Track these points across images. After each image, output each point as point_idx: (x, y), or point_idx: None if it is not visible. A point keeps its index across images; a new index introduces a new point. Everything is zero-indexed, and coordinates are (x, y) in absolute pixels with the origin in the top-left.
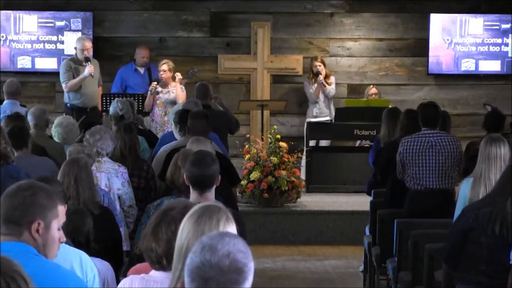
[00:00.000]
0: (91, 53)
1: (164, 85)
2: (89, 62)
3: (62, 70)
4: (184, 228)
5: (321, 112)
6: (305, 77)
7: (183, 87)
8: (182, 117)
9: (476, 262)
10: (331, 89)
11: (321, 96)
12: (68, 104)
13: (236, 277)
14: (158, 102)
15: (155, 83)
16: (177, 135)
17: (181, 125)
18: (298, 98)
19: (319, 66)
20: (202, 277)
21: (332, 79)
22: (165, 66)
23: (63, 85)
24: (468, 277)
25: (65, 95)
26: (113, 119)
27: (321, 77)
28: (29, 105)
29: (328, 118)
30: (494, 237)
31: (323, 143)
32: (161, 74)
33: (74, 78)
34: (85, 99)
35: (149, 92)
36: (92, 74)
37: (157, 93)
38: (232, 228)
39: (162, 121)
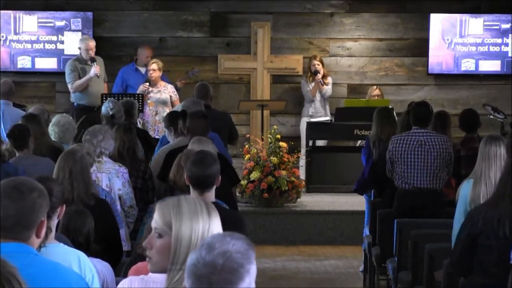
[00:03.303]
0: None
1: (154, 84)
2: (94, 63)
3: (67, 70)
4: (185, 224)
5: (317, 112)
6: (303, 76)
7: (175, 92)
8: (172, 120)
9: (487, 265)
10: (328, 89)
11: (317, 96)
12: (75, 104)
13: (229, 277)
14: (149, 101)
15: (147, 83)
16: (171, 138)
17: (174, 127)
18: (298, 98)
19: (318, 65)
20: (195, 274)
21: (329, 79)
22: (154, 66)
23: (69, 86)
24: (479, 281)
25: (72, 94)
26: (104, 119)
27: (319, 76)
28: (29, 105)
29: (324, 118)
30: (504, 239)
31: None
32: (151, 74)
33: (80, 78)
34: (91, 98)
35: (140, 92)
36: (98, 74)
37: (148, 93)
38: (218, 221)
39: (153, 120)
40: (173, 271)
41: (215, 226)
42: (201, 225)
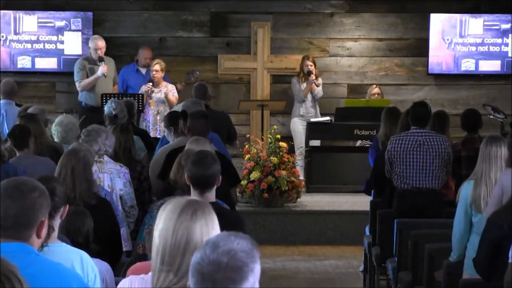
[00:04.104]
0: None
1: (156, 85)
2: (102, 62)
3: (75, 69)
4: (170, 224)
5: (308, 112)
6: (294, 76)
7: (174, 91)
8: (172, 120)
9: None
10: (320, 90)
11: (308, 96)
12: (83, 103)
13: (233, 276)
14: (150, 101)
15: (150, 84)
16: (170, 138)
17: (174, 127)
18: None
19: (311, 65)
20: (199, 273)
21: (320, 80)
22: (157, 66)
23: (77, 84)
24: (504, 286)
25: (80, 94)
26: (107, 119)
27: (312, 76)
28: (26, 105)
29: (314, 118)
30: None
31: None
32: (154, 74)
33: (87, 77)
34: (99, 98)
35: (143, 92)
36: (105, 74)
37: (152, 92)
38: (215, 220)
39: (155, 120)
40: (157, 272)
41: (198, 228)
42: (179, 226)
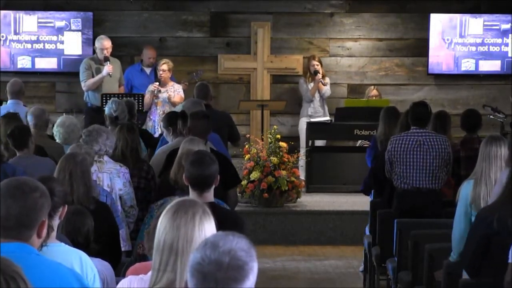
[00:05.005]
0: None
1: (163, 84)
2: (107, 62)
3: (81, 69)
4: (161, 224)
5: (316, 112)
6: (301, 76)
7: (179, 91)
8: (171, 120)
9: (503, 267)
10: (327, 89)
11: (316, 96)
12: (89, 104)
13: (235, 275)
14: (156, 101)
15: (157, 83)
16: (169, 138)
17: (172, 128)
18: (298, 98)
19: (317, 65)
20: (200, 273)
21: (327, 79)
22: (165, 66)
23: (82, 84)
24: (493, 283)
25: (85, 94)
26: (108, 120)
27: (319, 75)
28: (29, 105)
29: (323, 118)
30: None
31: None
32: (161, 74)
33: (93, 77)
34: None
35: (149, 91)
36: (110, 73)
37: (159, 91)
38: (209, 222)
39: (160, 120)
40: (156, 271)
41: (193, 229)
42: (173, 227)
